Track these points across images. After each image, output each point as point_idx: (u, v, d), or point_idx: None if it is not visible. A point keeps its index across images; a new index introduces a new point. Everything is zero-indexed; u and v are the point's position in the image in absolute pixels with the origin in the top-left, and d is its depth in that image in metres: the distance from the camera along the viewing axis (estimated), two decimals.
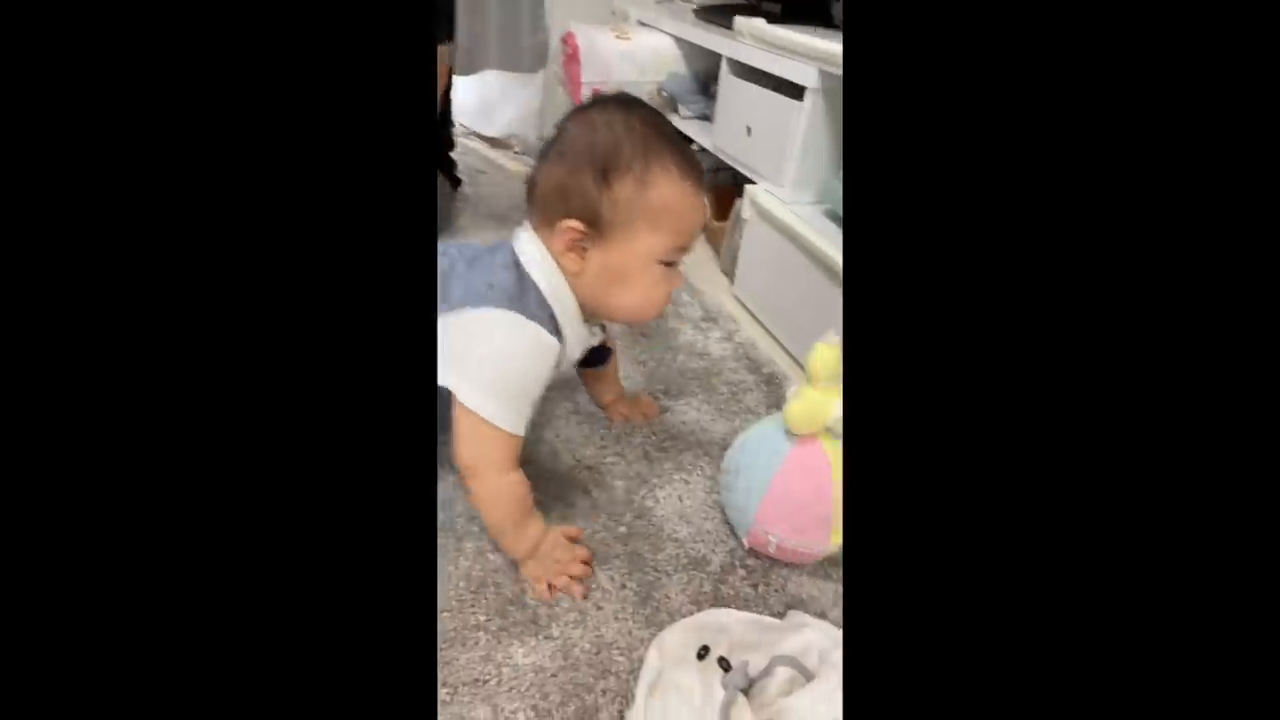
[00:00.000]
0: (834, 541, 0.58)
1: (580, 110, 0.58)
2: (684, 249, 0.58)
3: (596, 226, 0.54)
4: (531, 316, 0.55)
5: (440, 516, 0.62)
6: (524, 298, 0.55)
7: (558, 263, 0.56)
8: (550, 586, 0.57)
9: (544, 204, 0.57)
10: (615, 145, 0.54)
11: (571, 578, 0.58)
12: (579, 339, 0.60)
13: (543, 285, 0.56)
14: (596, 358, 0.72)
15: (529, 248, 0.57)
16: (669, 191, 0.54)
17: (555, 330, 0.56)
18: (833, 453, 0.58)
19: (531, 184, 0.58)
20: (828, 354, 0.57)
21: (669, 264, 0.57)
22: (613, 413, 0.78)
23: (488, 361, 0.54)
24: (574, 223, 0.54)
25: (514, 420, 0.55)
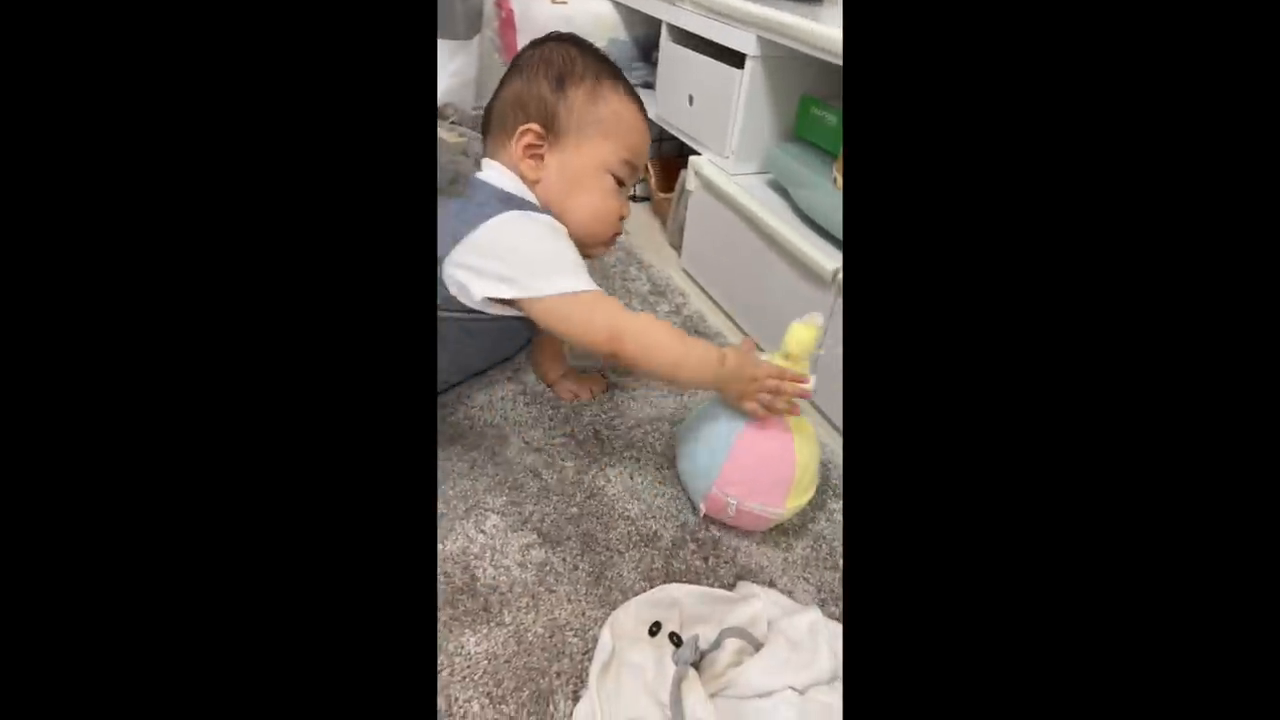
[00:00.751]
0: (789, 505, 0.59)
1: (534, 42, 0.63)
2: (633, 167, 0.62)
3: (553, 130, 0.59)
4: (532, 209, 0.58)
5: None
6: (514, 202, 0.58)
7: (519, 173, 0.60)
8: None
9: (500, 118, 0.61)
10: (570, 60, 0.59)
11: (776, 393, 0.55)
12: None
13: (515, 195, 0.59)
14: None
15: (492, 172, 0.61)
16: (618, 105, 0.60)
17: None
18: (792, 420, 0.59)
19: (487, 112, 0.62)
20: (806, 334, 0.58)
21: (620, 182, 0.61)
22: (561, 390, 0.77)
23: (527, 253, 0.55)
24: (533, 125, 0.58)
25: (589, 282, 0.55)
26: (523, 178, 0.60)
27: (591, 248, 0.63)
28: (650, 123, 1.14)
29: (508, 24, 1.23)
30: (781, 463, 0.59)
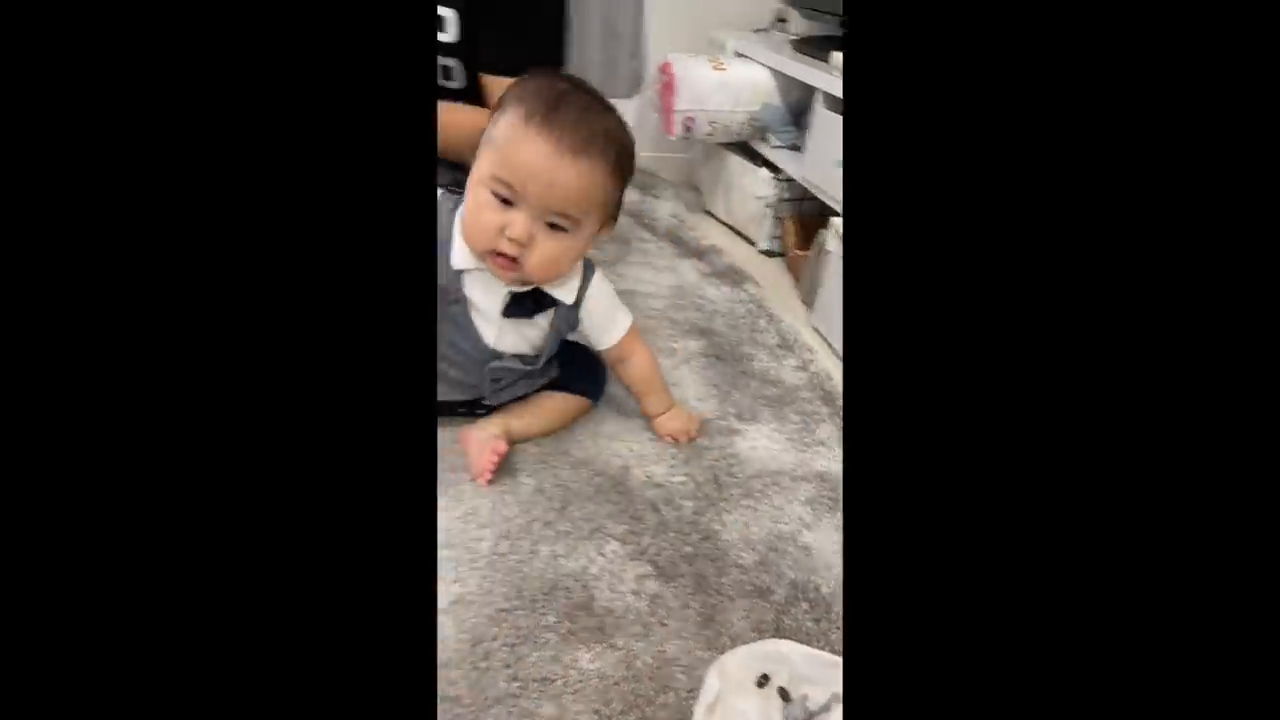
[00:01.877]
0: None
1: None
2: (507, 185, 0.62)
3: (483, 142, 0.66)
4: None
5: (521, 519, 0.65)
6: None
7: None
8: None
9: None
10: (525, 91, 0.63)
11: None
12: (461, 249, 0.67)
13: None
14: (521, 309, 0.71)
15: None
16: (510, 129, 0.62)
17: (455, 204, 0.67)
18: None
19: None
20: None
21: (503, 200, 0.63)
22: (659, 429, 0.79)
23: None
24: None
25: None
26: None
27: (479, 256, 0.66)
28: (792, 184, 1.17)
29: (668, 88, 1.32)
30: None
